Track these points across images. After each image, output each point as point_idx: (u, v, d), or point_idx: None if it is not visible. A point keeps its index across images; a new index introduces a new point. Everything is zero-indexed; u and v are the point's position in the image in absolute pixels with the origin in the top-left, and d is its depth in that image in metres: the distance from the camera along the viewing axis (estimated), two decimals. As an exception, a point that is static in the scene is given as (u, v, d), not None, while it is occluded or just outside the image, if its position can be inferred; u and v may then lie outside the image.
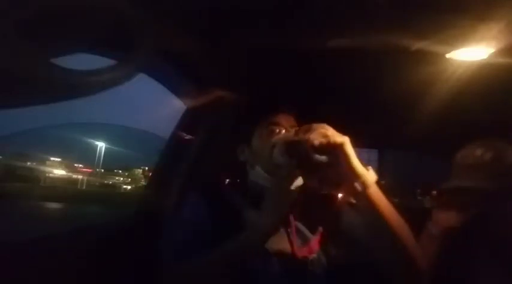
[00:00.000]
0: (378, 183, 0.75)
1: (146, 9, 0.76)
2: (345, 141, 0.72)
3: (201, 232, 0.85)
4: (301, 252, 0.87)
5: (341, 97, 1.59)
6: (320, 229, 0.91)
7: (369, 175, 0.73)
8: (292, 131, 0.86)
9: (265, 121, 0.96)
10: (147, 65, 0.83)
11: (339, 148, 0.71)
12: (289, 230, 0.89)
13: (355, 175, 0.72)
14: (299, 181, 0.77)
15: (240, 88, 1.39)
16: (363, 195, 0.73)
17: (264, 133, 0.95)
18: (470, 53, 1.00)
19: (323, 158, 0.72)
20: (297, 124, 0.97)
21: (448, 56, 1.02)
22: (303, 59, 1.23)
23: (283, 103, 1.01)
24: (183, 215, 0.93)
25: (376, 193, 0.73)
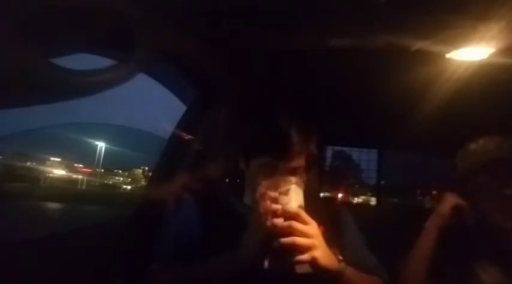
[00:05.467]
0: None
1: (146, 10, 0.76)
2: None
3: (192, 238, 0.86)
4: None
5: (341, 98, 1.59)
6: (321, 227, 0.91)
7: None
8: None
9: (261, 157, 0.85)
10: (147, 64, 0.83)
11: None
12: None
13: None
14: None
15: (239, 88, 1.39)
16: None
17: (257, 169, 0.86)
18: (470, 53, 1.00)
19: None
20: (300, 163, 0.85)
21: (448, 56, 1.02)
22: (302, 60, 1.23)
23: (289, 142, 0.83)
24: (177, 220, 0.94)
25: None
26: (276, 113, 0.87)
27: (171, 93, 1.35)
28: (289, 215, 0.70)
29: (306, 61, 1.24)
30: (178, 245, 0.87)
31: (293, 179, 0.76)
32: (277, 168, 0.83)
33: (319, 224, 0.89)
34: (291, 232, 0.69)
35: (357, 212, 1.07)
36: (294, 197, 0.74)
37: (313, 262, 0.70)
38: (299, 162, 0.85)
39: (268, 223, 0.70)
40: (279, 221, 0.70)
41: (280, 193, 0.73)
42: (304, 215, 0.72)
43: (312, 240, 0.71)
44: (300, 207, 0.74)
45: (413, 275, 1.05)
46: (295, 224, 0.69)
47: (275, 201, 0.72)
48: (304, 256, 0.69)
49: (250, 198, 0.93)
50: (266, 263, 0.72)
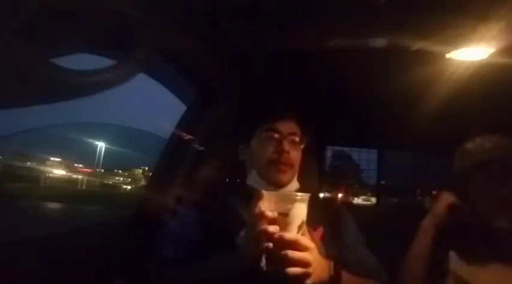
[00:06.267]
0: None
1: (146, 10, 0.76)
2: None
3: (192, 239, 0.86)
4: None
5: (341, 98, 1.59)
6: (320, 227, 0.91)
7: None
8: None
9: (264, 126, 0.96)
10: (147, 64, 0.83)
11: None
12: None
13: None
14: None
15: (239, 88, 1.39)
16: None
17: (262, 137, 0.96)
18: (470, 53, 1.00)
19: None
20: (297, 130, 0.97)
21: (448, 56, 1.02)
22: (302, 60, 1.23)
23: (284, 107, 0.99)
24: (177, 221, 0.94)
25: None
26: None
27: (171, 93, 1.36)
28: (286, 242, 0.68)
29: (306, 61, 1.24)
30: (178, 245, 0.87)
31: (298, 195, 0.72)
32: (274, 130, 0.94)
33: (319, 224, 0.89)
34: (287, 260, 0.67)
35: (357, 212, 1.07)
36: (295, 216, 0.70)
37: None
38: (293, 127, 0.97)
39: (264, 245, 0.67)
40: (276, 248, 0.68)
41: (280, 214, 0.69)
42: (303, 241, 0.69)
43: (308, 269, 0.68)
44: (302, 223, 0.71)
45: (411, 274, 1.05)
46: (291, 253, 0.67)
47: (273, 222, 0.68)
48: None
49: (252, 177, 0.97)
50: (264, 263, 0.72)
